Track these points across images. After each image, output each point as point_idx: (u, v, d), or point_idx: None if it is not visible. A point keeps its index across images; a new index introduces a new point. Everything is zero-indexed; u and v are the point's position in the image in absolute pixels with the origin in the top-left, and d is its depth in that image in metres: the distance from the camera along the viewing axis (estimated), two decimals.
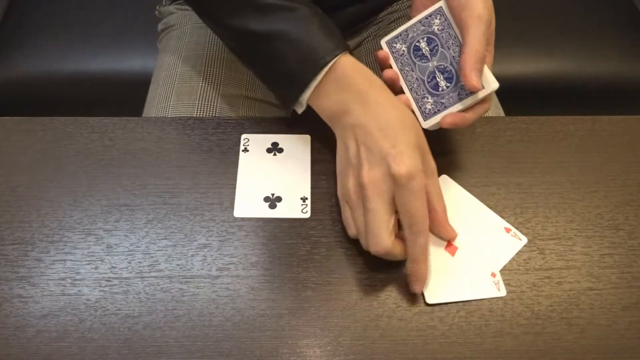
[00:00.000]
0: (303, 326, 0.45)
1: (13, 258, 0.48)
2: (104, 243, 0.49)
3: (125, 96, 0.99)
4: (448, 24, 0.48)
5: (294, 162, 0.53)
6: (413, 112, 0.49)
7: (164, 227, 0.50)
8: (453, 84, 0.48)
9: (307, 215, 0.50)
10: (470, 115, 0.49)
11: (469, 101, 0.48)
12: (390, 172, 0.43)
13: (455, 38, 0.48)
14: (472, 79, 0.46)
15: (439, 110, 0.49)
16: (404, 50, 0.50)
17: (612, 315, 0.46)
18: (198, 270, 0.48)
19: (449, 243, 0.49)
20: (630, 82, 1.04)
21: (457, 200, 0.52)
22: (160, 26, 0.80)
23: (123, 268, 0.48)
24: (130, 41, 1.04)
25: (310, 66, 0.47)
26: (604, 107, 1.09)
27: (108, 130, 0.56)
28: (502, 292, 0.47)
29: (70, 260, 0.48)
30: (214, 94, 0.64)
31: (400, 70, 0.51)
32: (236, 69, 0.68)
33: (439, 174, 0.53)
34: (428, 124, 0.49)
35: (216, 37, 0.70)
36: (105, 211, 0.51)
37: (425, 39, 0.49)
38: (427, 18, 0.49)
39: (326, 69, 0.47)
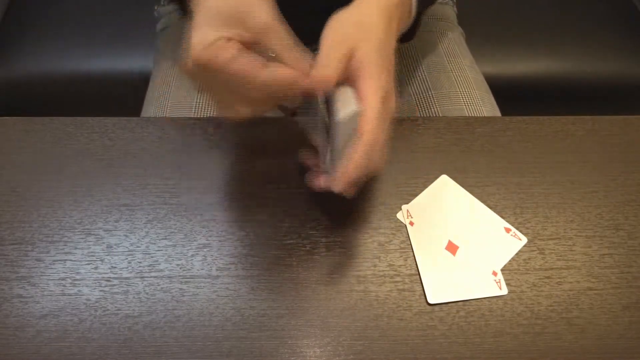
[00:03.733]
0: (303, 326, 0.45)
1: (13, 258, 0.48)
2: (104, 243, 0.49)
3: (125, 96, 0.99)
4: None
5: None
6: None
7: (164, 227, 0.50)
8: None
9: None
10: (343, 174, 0.42)
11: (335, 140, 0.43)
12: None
13: None
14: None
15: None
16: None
17: (612, 315, 0.46)
18: (198, 270, 0.48)
19: (450, 243, 0.49)
20: (630, 82, 1.04)
21: (457, 200, 0.52)
22: (159, 26, 0.80)
23: (123, 268, 0.48)
24: (130, 41, 1.03)
25: None
26: (604, 107, 1.09)
27: (108, 130, 0.56)
28: (504, 291, 0.47)
29: (70, 260, 0.48)
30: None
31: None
32: None
33: (439, 175, 0.53)
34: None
35: None
36: (105, 211, 0.51)
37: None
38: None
39: None
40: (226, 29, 0.40)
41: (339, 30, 0.43)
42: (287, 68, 0.41)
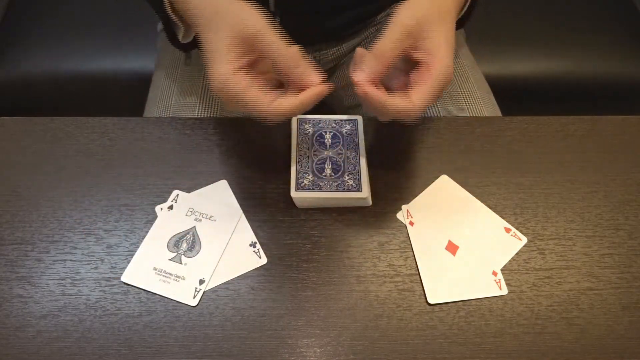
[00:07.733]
0: (303, 326, 0.45)
1: (13, 258, 0.48)
2: (104, 243, 0.49)
3: (125, 96, 0.99)
4: (356, 133, 0.53)
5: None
6: (290, 179, 0.50)
7: None
8: (337, 176, 0.50)
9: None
10: None
11: (341, 196, 0.49)
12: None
13: (356, 146, 0.52)
14: (352, 72, 0.44)
15: (313, 189, 0.49)
16: (309, 131, 0.53)
17: (612, 315, 0.46)
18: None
19: (450, 243, 0.49)
20: (630, 82, 1.04)
21: (457, 200, 0.52)
22: (159, 26, 0.80)
23: (123, 268, 0.47)
24: (130, 41, 1.03)
25: None
26: (604, 107, 1.09)
27: (108, 130, 0.56)
28: (504, 291, 0.47)
29: (70, 260, 0.48)
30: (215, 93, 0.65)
31: (298, 143, 0.53)
32: None
33: (439, 174, 0.53)
34: (297, 194, 0.49)
35: None
36: (105, 211, 0.51)
37: (332, 133, 0.53)
38: (341, 120, 0.54)
39: None
40: (235, 59, 0.43)
41: (412, 17, 0.44)
42: (291, 98, 0.44)
